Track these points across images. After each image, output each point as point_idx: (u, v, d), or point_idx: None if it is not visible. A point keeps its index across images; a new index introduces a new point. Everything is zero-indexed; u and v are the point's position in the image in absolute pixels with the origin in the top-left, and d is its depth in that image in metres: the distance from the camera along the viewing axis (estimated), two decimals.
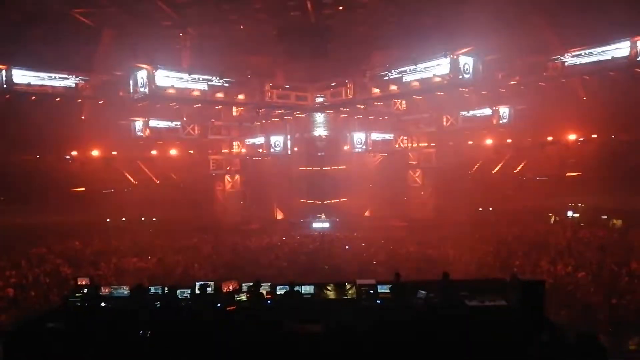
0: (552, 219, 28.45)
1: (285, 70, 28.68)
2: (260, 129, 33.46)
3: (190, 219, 30.74)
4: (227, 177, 33.37)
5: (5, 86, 21.87)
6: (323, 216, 32.65)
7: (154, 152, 30.65)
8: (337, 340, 7.48)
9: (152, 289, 10.94)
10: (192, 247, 24.69)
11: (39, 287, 16.73)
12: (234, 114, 32.90)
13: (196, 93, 24.98)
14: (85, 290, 11.14)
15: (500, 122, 26.14)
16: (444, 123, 29.19)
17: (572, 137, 26.01)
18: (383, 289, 10.38)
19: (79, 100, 25.17)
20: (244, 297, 10.40)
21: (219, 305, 10.07)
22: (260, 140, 32.29)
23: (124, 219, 30.16)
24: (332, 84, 28.90)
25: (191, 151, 31.89)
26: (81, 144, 27.62)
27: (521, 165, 28.67)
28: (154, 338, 8.14)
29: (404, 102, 32.01)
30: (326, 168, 32.80)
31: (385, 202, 34.99)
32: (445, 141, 30.56)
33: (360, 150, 33.11)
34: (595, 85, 22.24)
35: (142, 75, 22.43)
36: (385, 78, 25.21)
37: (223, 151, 32.81)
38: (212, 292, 10.58)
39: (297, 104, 30.01)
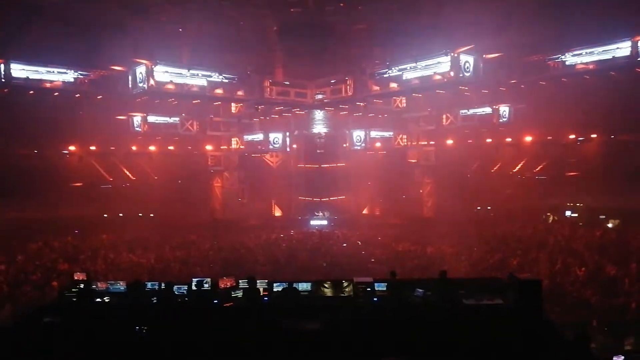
0: (551, 218, 28.46)
1: (285, 67, 28.60)
2: (259, 126, 33.43)
3: (188, 215, 30.69)
4: (226, 173, 33.33)
5: (3, 80, 21.77)
6: (321, 214, 32.62)
7: (152, 147, 30.56)
8: (334, 338, 7.46)
9: (149, 284, 10.90)
10: (189, 243, 24.65)
11: (35, 282, 16.67)
12: (233, 110, 32.86)
13: (195, 89, 24.92)
14: (82, 286, 11.08)
15: (500, 120, 26.12)
16: (444, 121, 29.14)
17: (571, 136, 25.99)
18: (380, 286, 10.35)
19: (77, 95, 25.08)
20: (240, 294, 10.38)
21: (215, 301, 10.05)
22: (259, 137, 32.27)
23: (121, 215, 30.09)
24: (332, 81, 28.81)
25: (189, 147, 31.82)
26: (79, 139, 27.52)
27: (520, 165, 28.66)
28: (150, 334, 8.12)
29: (403, 99, 31.96)
30: (325, 165, 32.74)
31: (383, 199, 34.99)
32: (444, 139, 30.49)
33: (359, 147, 33.10)
34: (596, 84, 22.20)
35: (140, 70, 22.36)
36: (385, 75, 25.16)
37: (222, 147, 32.76)
38: (209, 288, 10.55)
39: (296, 101, 29.93)
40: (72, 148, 28.41)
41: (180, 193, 31.29)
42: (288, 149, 32.76)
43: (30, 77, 22.62)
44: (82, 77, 24.25)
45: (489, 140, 29.30)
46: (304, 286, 10.55)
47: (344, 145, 33.72)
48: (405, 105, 32.33)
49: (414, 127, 31.93)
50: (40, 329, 8.47)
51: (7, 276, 17.16)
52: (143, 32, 25.46)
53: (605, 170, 23.82)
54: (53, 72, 23.29)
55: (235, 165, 33.83)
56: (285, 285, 10.22)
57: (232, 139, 32.62)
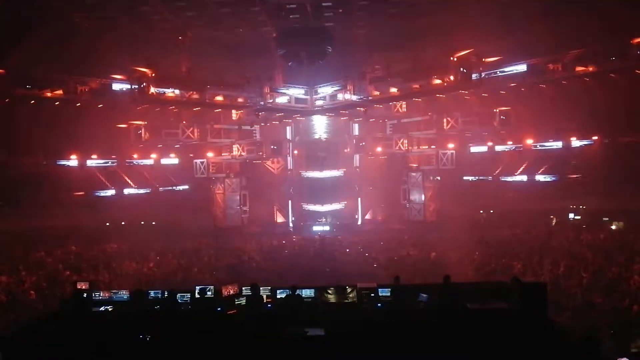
0: (554, 221, 28.36)
1: (284, 73, 28.60)
2: (259, 132, 33.43)
3: (190, 223, 30.60)
4: (227, 180, 33.29)
5: (4, 90, 21.82)
6: (323, 219, 32.56)
7: (153, 155, 30.53)
8: (338, 345, 7.41)
9: (152, 293, 10.88)
10: (192, 250, 24.59)
11: (37, 292, 16.63)
12: (234, 117, 32.87)
13: (195, 96, 24.93)
14: (84, 295, 11.05)
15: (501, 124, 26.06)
16: (445, 125, 29.08)
17: (573, 139, 25.91)
18: (384, 292, 10.32)
19: (78, 104, 25.10)
20: (244, 301, 10.34)
21: (219, 309, 10.01)
22: (259, 143, 32.30)
23: (123, 223, 30.05)
24: (332, 87, 28.86)
25: (191, 154, 31.81)
26: (80, 148, 27.48)
27: (522, 167, 28.54)
28: (153, 342, 8.07)
29: (404, 104, 31.96)
30: (326, 171, 32.70)
31: (385, 204, 34.91)
32: (445, 143, 30.42)
33: (360, 152, 33.13)
34: (596, 86, 22.19)
35: (141, 78, 22.42)
36: (385, 80, 25.18)
37: (223, 154, 32.73)
38: (212, 296, 10.53)
39: (296, 107, 29.95)
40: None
41: (182, 201, 31.21)
42: (289, 155, 32.85)
43: (31, 87, 22.66)
44: (82, 86, 24.27)
45: (490, 143, 29.24)
46: (307, 292, 10.54)
47: (345, 150, 33.72)
48: (405, 109, 32.36)
49: (414, 131, 31.89)
50: (41, 338, 8.42)
51: (8, 286, 17.12)
52: (143, 40, 25.49)
53: (606, 172, 23.73)
54: (54, 81, 23.31)
55: (237, 172, 33.78)
56: (288, 291, 10.21)
57: (233, 146, 32.62)
